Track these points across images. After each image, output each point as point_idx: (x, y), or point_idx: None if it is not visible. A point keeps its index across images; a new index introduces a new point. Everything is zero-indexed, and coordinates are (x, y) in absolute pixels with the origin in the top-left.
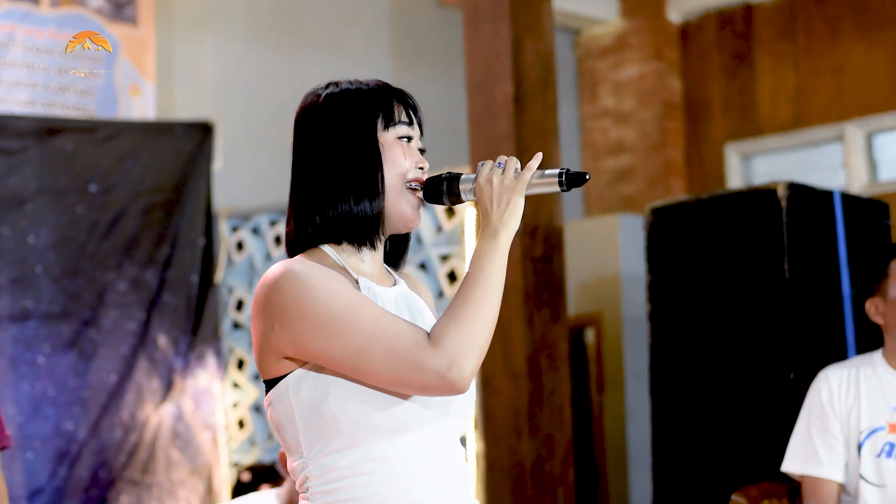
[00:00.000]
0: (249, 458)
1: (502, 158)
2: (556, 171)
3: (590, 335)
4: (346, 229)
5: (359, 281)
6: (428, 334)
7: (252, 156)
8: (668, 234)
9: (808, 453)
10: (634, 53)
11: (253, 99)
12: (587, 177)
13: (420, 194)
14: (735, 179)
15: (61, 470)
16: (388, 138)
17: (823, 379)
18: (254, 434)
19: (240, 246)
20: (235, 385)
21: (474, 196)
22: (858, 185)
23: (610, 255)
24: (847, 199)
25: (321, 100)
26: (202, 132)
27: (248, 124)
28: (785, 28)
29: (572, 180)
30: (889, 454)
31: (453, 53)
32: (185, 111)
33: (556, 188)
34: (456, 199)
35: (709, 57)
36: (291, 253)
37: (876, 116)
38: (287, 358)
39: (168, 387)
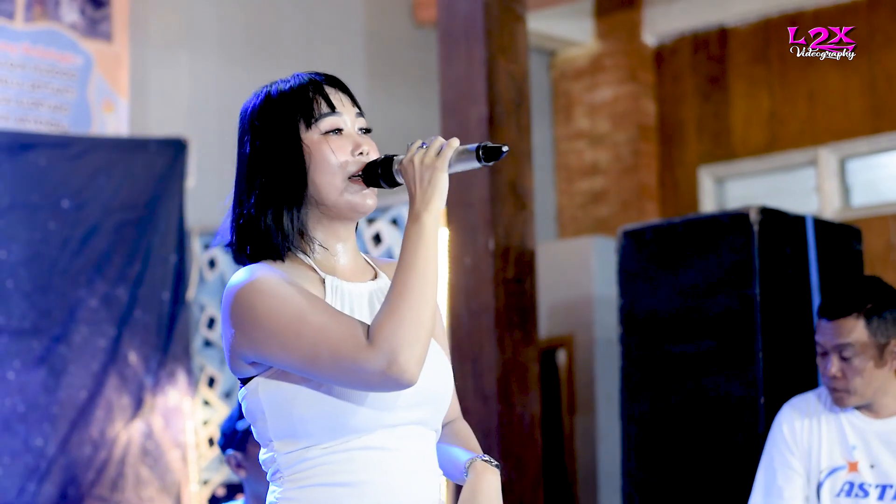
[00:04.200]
0: (219, 477)
1: (430, 138)
2: (475, 145)
3: (561, 357)
4: (270, 246)
5: (325, 280)
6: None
7: (225, 173)
8: (639, 256)
9: (771, 488)
10: (609, 76)
11: (226, 116)
12: (504, 149)
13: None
14: (708, 203)
15: (30, 486)
16: (312, 138)
17: (786, 415)
18: None
19: (212, 263)
20: (206, 403)
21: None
22: (831, 209)
23: (583, 278)
24: (819, 223)
25: (247, 114)
26: (175, 149)
27: (222, 142)
28: (759, 52)
29: (489, 153)
30: (849, 493)
31: (429, 74)
32: (159, 128)
33: (476, 163)
34: (391, 181)
35: (683, 80)
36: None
37: (849, 141)
38: (251, 363)
39: (138, 404)
